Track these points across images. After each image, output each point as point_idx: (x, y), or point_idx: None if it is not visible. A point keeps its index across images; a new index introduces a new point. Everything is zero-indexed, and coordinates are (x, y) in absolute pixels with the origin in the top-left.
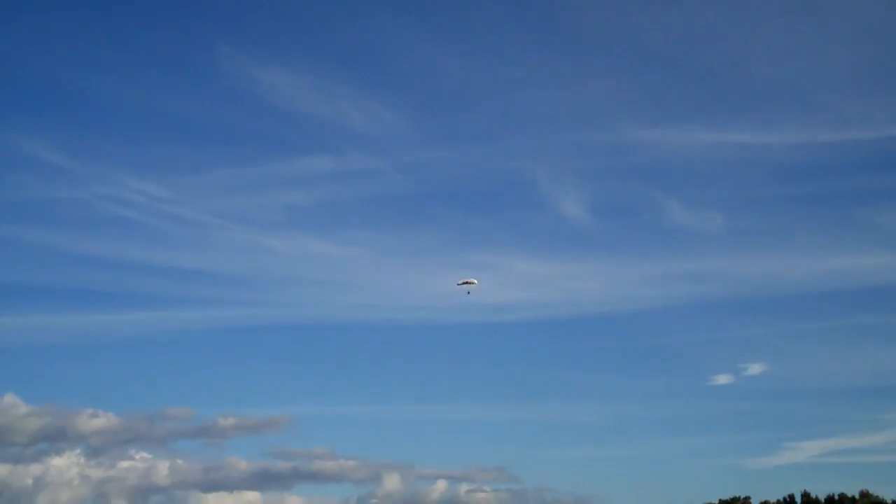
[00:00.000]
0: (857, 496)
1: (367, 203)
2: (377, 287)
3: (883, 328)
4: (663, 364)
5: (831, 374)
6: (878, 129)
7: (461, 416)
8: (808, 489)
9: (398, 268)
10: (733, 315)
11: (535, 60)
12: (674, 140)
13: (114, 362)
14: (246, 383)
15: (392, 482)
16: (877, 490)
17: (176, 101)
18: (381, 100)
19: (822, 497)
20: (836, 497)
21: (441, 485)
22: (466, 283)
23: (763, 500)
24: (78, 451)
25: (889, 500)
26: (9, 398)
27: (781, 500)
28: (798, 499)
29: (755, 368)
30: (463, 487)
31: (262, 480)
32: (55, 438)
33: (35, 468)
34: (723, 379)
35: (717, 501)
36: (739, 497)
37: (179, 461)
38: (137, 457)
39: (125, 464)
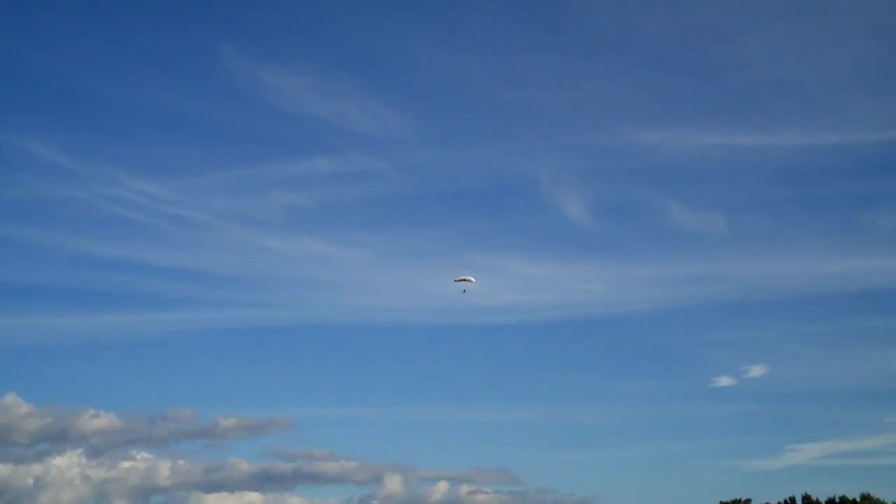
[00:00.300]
0: (858, 498)
1: (368, 204)
2: (378, 288)
3: (884, 331)
4: (665, 366)
5: (833, 377)
6: (880, 131)
7: (462, 418)
8: (810, 491)
9: (399, 269)
10: (735, 317)
11: (537, 61)
12: (675, 142)
13: (115, 363)
14: (247, 384)
15: (393, 483)
16: (878, 492)
17: (178, 102)
18: (382, 100)
19: (823, 499)
20: (838, 499)
21: (442, 486)
22: (463, 280)
23: (764, 502)
24: (79, 451)
25: (890, 503)
26: (10, 398)
27: (783, 502)
28: (799, 501)
29: (757, 370)
30: (464, 489)
31: (264, 481)
32: (56, 439)
33: (36, 468)
34: (724, 381)
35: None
36: (741, 499)
37: (181, 462)
38: (139, 457)
39: (126, 464)
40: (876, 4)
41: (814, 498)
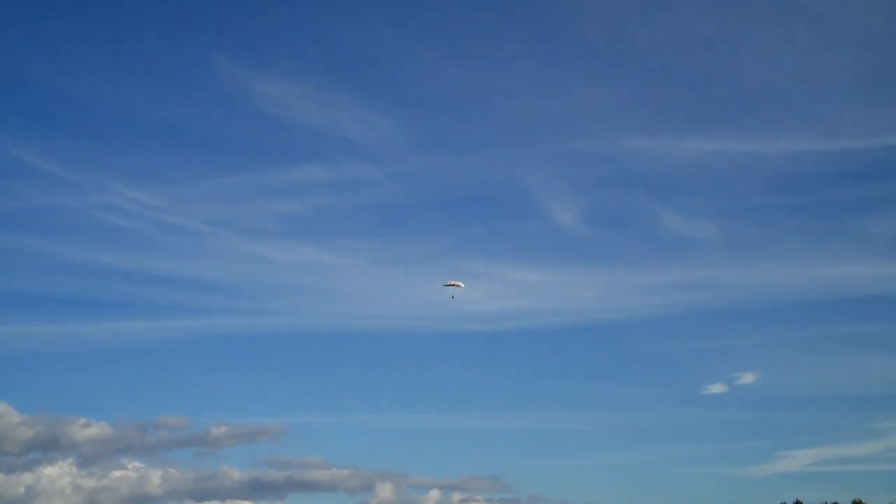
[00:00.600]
0: None
1: (361, 211)
2: (371, 295)
3: (876, 337)
4: (656, 373)
5: (825, 383)
6: (872, 137)
7: (454, 425)
8: (802, 498)
9: (392, 276)
10: (727, 324)
11: (529, 68)
12: (667, 148)
13: (106, 371)
14: (239, 392)
15: (385, 491)
16: (870, 499)
17: (171, 110)
18: (375, 108)
19: None
20: None
21: (434, 494)
22: (452, 285)
23: None
24: (70, 460)
25: None
26: (1, 407)
27: None
28: None
29: (749, 377)
30: (456, 496)
31: (255, 490)
32: (47, 448)
33: (27, 477)
34: (716, 388)
35: None
36: None
37: (172, 470)
38: (130, 466)
39: (117, 473)
40: (868, 12)
41: None
